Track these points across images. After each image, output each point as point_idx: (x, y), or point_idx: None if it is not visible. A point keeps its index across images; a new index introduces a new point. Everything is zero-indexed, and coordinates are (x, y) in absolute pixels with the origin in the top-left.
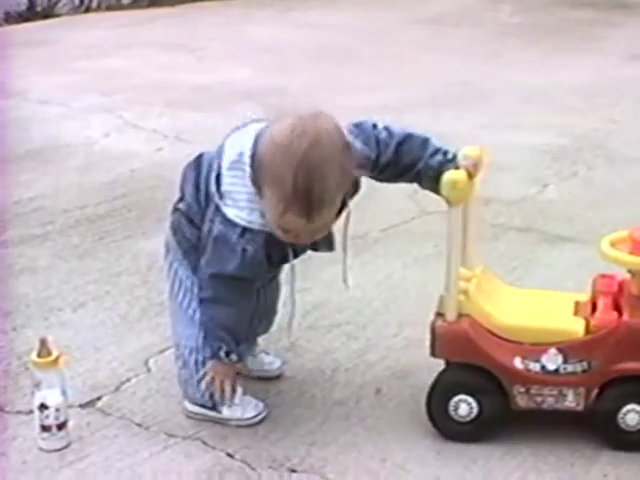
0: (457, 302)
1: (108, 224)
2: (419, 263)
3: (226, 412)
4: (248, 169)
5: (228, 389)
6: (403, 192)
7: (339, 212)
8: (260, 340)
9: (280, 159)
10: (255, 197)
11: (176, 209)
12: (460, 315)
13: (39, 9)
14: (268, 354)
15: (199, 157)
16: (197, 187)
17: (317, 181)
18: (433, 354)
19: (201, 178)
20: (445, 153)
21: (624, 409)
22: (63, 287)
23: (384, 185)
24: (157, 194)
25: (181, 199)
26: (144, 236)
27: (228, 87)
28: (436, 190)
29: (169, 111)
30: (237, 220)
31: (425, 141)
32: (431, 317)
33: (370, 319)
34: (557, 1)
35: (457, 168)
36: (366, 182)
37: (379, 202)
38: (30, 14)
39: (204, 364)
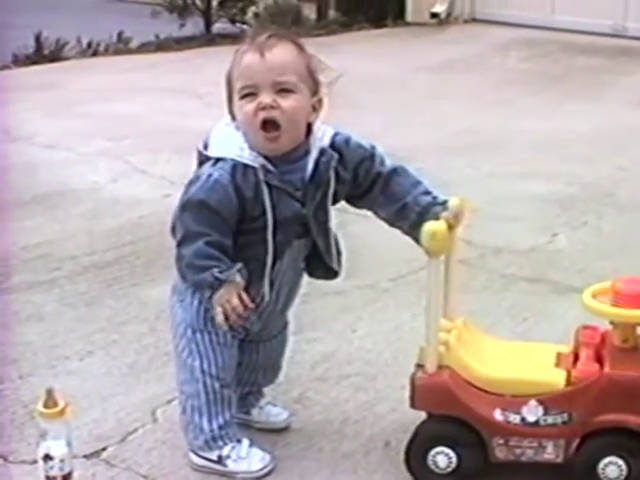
0: (437, 353)
1: (115, 271)
2: (423, 314)
3: (232, 465)
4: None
5: (239, 308)
6: (412, 242)
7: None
8: (267, 391)
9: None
10: (232, 134)
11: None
12: (440, 367)
13: (46, 52)
14: (275, 406)
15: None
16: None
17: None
18: (412, 406)
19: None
20: (435, 197)
21: (604, 461)
22: (70, 335)
23: (393, 234)
24: (165, 241)
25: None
26: (152, 283)
27: None
28: (416, 238)
29: (177, 157)
30: (212, 154)
31: (419, 181)
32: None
33: (379, 370)
34: (564, 48)
35: (437, 218)
36: (375, 231)
37: (388, 252)
38: (37, 57)
39: (200, 411)
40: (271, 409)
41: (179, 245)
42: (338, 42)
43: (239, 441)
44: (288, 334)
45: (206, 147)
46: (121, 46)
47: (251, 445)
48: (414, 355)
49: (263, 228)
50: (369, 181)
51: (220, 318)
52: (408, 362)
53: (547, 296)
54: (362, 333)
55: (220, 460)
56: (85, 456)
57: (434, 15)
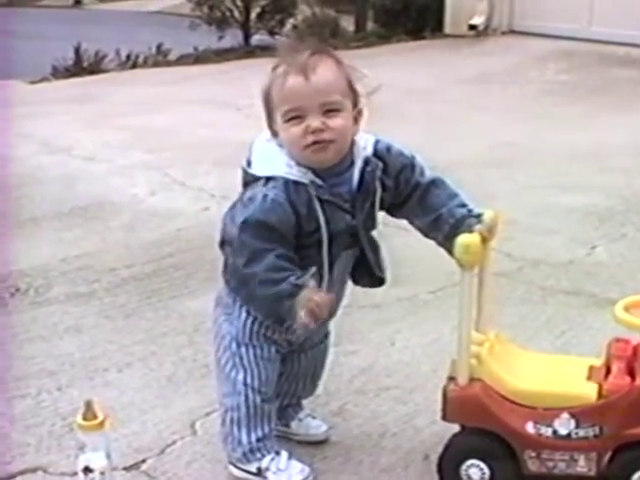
0: (469, 366)
1: (155, 283)
2: None
3: (272, 477)
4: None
5: (325, 300)
6: None
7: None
8: (306, 403)
9: (273, 71)
10: (275, 151)
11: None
12: (472, 379)
13: (86, 64)
14: (314, 418)
15: (235, 202)
16: (231, 216)
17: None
18: (444, 418)
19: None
20: (470, 210)
21: (637, 474)
22: (108, 347)
23: (433, 246)
24: (204, 254)
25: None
26: (191, 296)
27: None
28: (450, 250)
29: (216, 169)
30: (260, 173)
31: (456, 194)
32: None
33: (418, 383)
34: (602, 60)
35: (472, 231)
36: (415, 244)
37: (427, 264)
38: (77, 69)
39: (239, 423)
40: (310, 421)
41: (246, 265)
42: (376, 54)
43: (278, 453)
44: (329, 344)
45: (249, 164)
46: (160, 58)
47: (290, 457)
48: None
49: (318, 242)
50: (408, 190)
51: (307, 319)
52: (447, 375)
53: (585, 309)
54: (400, 346)
55: (260, 472)
56: (125, 468)
57: (472, 27)
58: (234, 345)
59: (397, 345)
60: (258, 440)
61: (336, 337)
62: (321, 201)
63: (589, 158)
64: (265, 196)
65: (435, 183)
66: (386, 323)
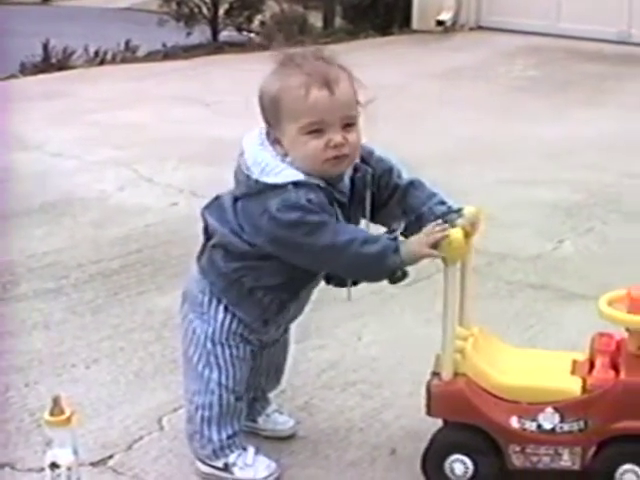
0: (453, 361)
1: (122, 279)
2: (434, 320)
3: (238, 473)
4: (269, 135)
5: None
6: None
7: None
8: (273, 398)
9: (285, 78)
10: (281, 154)
11: (207, 248)
12: (456, 374)
13: (54, 61)
14: (282, 414)
15: (216, 198)
16: (227, 220)
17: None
18: (429, 413)
19: (229, 209)
20: (451, 207)
21: (621, 469)
22: (76, 343)
23: None
24: (171, 249)
25: (208, 239)
26: (158, 292)
27: None
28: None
29: (184, 165)
30: (284, 180)
31: (434, 193)
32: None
33: (385, 378)
34: (570, 55)
35: (454, 226)
36: None
37: None
38: (45, 66)
39: (210, 422)
40: (277, 417)
41: (335, 236)
42: (344, 50)
43: (245, 449)
44: (289, 337)
45: (247, 171)
46: (128, 55)
47: (257, 453)
48: (420, 362)
49: None
50: (388, 193)
51: (435, 252)
52: (414, 369)
53: (553, 303)
54: (367, 340)
55: (227, 468)
56: (92, 464)
57: (440, 23)
58: (209, 344)
59: (364, 340)
60: (228, 437)
61: (303, 332)
62: (338, 204)
63: (557, 153)
64: (309, 201)
65: (413, 184)
66: (353, 318)
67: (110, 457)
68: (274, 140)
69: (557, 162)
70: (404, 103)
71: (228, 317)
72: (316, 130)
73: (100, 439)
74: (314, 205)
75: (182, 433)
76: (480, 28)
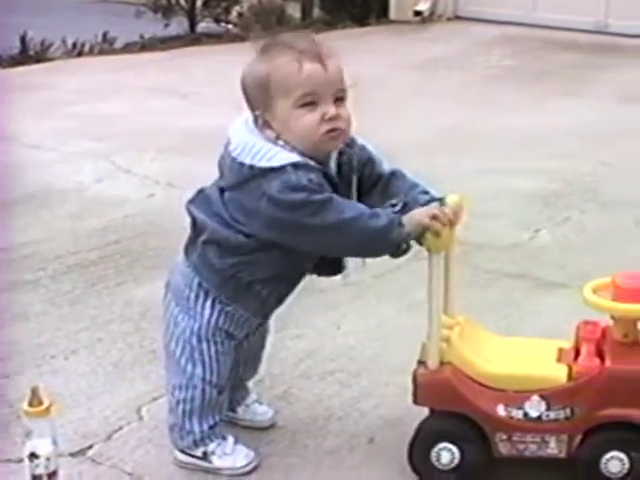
0: (439, 350)
1: (100, 270)
2: (412, 309)
3: (217, 462)
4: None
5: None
6: None
7: None
8: (252, 387)
9: (274, 58)
10: (272, 138)
11: (198, 244)
12: (442, 363)
13: (32, 53)
14: (261, 404)
15: (200, 191)
16: (216, 213)
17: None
18: (415, 402)
19: (216, 202)
20: (433, 196)
21: (607, 456)
22: (55, 334)
23: None
24: (149, 241)
25: (198, 234)
26: (136, 283)
27: (221, 132)
28: (417, 236)
29: (162, 156)
30: (281, 162)
31: (416, 183)
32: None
33: (363, 367)
34: (546, 45)
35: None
36: None
37: None
38: (23, 58)
39: (191, 415)
40: (257, 407)
41: (341, 214)
42: (322, 41)
43: (224, 438)
44: (268, 326)
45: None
46: (106, 46)
47: (236, 442)
48: (398, 351)
49: None
50: (371, 182)
51: (437, 223)
52: (392, 358)
53: (530, 291)
54: (346, 330)
55: (205, 456)
56: (71, 454)
57: (417, 13)
58: (194, 340)
59: (342, 329)
60: (210, 428)
61: (282, 321)
62: (331, 185)
63: (534, 142)
64: (310, 180)
65: (395, 175)
66: (331, 307)
67: (89, 447)
68: (263, 124)
69: (533, 151)
70: (382, 93)
71: (215, 313)
72: (310, 102)
73: (79, 429)
74: (315, 185)
75: (161, 423)
76: (457, 18)
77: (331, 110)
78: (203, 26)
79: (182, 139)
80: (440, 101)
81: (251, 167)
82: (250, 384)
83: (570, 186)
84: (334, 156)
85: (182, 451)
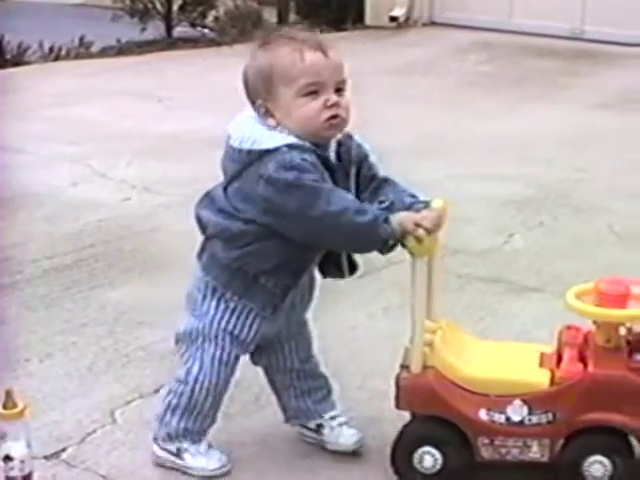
0: (422, 354)
1: (75, 274)
2: (384, 314)
3: (190, 460)
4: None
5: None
6: None
7: None
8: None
9: (276, 49)
10: (272, 125)
11: (204, 246)
12: (425, 367)
13: (9, 57)
14: (350, 427)
15: (206, 194)
16: (220, 209)
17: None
18: (398, 406)
19: (220, 199)
20: (418, 199)
21: (589, 460)
22: (30, 337)
23: None
24: (124, 244)
25: (206, 234)
26: (111, 286)
27: (197, 136)
28: (401, 240)
29: (137, 160)
30: (276, 144)
31: (405, 190)
32: (397, 368)
33: (335, 370)
34: (522, 50)
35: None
36: None
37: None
38: (0, 61)
39: (175, 409)
40: (344, 430)
41: (329, 204)
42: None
43: (200, 441)
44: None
45: (240, 144)
46: (82, 50)
47: (210, 447)
48: (369, 356)
49: None
50: (367, 180)
51: (420, 231)
52: (363, 362)
53: (503, 296)
54: (317, 334)
55: (179, 453)
56: (45, 457)
57: (393, 19)
58: (200, 338)
59: (313, 334)
60: (185, 429)
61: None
62: (328, 170)
63: (509, 148)
64: (304, 160)
65: (387, 181)
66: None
67: (63, 450)
68: (265, 112)
69: (508, 157)
70: (357, 98)
71: (219, 313)
72: (312, 92)
73: (53, 432)
74: (308, 164)
75: (135, 426)
76: (433, 24)
77: (333, 97)
78: (179, 30)
79: (158, 143)
80: (415, 106)
81: (249, 152)
82: (338, 404)
83: (544, 191)
84: (333, 146)
85: (158, 444)
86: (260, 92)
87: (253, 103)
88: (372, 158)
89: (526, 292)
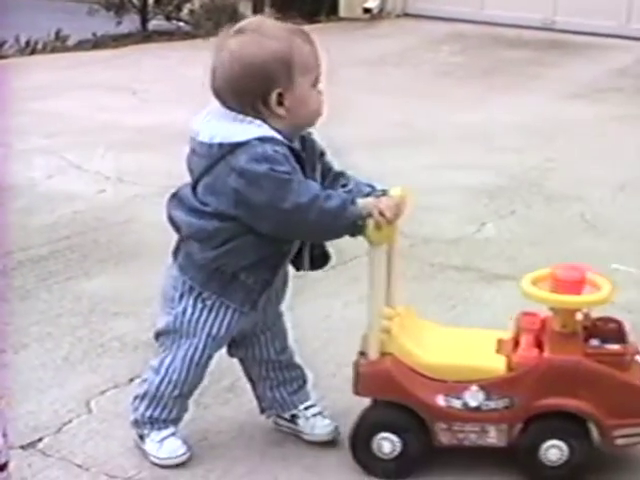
0: (379, 341)
1: (50, 265)
2: (358, 302)
3: (147, 445)
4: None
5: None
6: None
7: None
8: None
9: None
10: (282, 115)
11: (180, 245)
12: (383, 354)
13: None
14: (324, 417)
15: (174, 194)
16: (190, 208)
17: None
18: (356, 392)
19: (189, 197)
20: (375, 188)
21: (546, 444)
22: (5, 329)
23: None
24: (99, 236)
25: (180, 234)
26: (86, 277)
27: (171, 128)
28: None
29: (112, 153)
30: (247, 137)
31: (362, 180)
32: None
33: (309, 359)
34: (494, 41)
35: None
36: None
37: None
38: None
39: (143, 397)
40: (318, 420)
41: (300, 194)
42: None
43: (162, 429)
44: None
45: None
46: (58, 44)
47: (174, 435)
48: (342, 344)
49: None
50: (324, 174)
51: (381, 219)
52: (337, 351)
53: (475, 284)
54: (292, 323)
55: (142, 438)
56: (21, 447)
57: (367, 10)
58: (177, 334)
59: (288, 323)
60: (150, 417)
61: None
62: (298, 162)
63: (481, 137)
64: (276, 152)
65: (343, 174)
66: None
67: (39, 440)
68: (278, 97)
69: (480, 146)
70: (330, 89)
71: (196, 312)
72: (317, 83)
73: (29, 422)
74: (280, 156)
75: (110, 415)
76: (406, 15)
77: (320, 87)
78: (155, 24)
79: (133, 135)
80: (388, 97)
81: (220, 145)
82: (313, 393)
83: (516, 180)
84: (296, 143)
85: (133, 426)
86: (280, 79)
87: (251, 95)
88: (327, 153)
89: (498, 280)
